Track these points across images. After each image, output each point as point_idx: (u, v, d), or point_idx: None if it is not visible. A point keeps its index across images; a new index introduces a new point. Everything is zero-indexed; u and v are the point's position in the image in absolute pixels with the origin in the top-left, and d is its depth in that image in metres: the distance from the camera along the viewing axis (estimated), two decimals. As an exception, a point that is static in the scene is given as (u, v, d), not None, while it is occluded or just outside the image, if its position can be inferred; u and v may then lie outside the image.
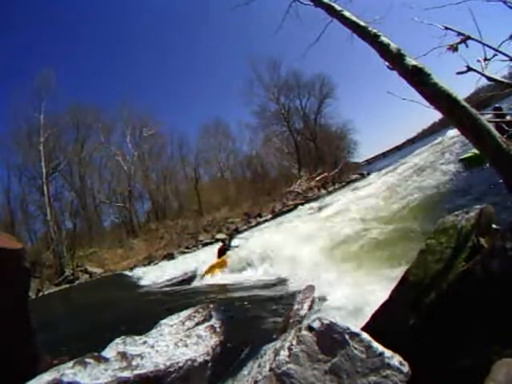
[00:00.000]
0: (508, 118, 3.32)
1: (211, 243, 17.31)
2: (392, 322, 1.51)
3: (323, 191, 23.96)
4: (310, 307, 2.88)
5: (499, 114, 2.75)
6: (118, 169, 28.10)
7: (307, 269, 4.39)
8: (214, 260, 7.65)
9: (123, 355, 1.58)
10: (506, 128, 2.83)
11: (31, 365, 1.91)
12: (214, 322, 2.05)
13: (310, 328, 1.35)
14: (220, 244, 8.69)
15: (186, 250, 19.47)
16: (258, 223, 20.20)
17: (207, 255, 9.53)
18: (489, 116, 2.32)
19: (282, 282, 4.66)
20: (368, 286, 2.93)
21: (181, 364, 1.63)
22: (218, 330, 1.99)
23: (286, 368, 1.28)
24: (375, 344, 1.27)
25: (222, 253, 7.81)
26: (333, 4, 2.46)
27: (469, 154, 6.34)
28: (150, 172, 30.25)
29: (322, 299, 3.04)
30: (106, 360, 1.54)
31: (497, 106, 5.40)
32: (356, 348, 1.27)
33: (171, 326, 1.99)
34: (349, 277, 3.49)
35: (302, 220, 10.08)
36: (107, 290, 11.77)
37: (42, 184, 22.69)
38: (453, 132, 10.70)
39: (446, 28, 2.35)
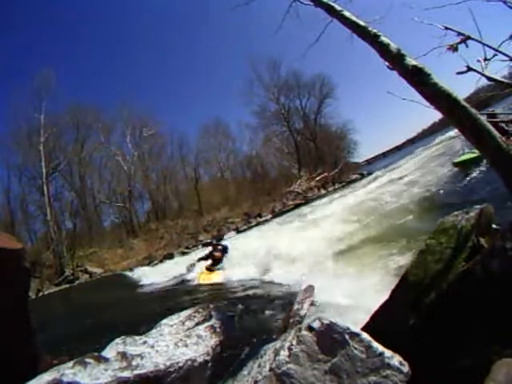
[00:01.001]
0: (503, 118, 3.33)
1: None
2: (392, 322, 1.51)
3: (323, 191, 23.95)
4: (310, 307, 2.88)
5: (495, 114, 2.75)
6: (118, 169, 28.04)
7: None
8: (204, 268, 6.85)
9: (123, 355, 1.58)
10: (506, 128, 2.83)
11: (31, 365, 1.91)
12: (214, 321, 2.04)
13: (310, 328, 1.35)
14: (208, 250, 7.33)
15: (186, 250, 19.43)
16: (258, 223, 20.18)
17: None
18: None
19: (282, 280, 4.67)
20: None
21: (181, 364, 1.62)
22: (217, 329, 1.98)
23: (286, 368, 1.28)
24: (375, 344, 1.27)
25: (214, 260, 6.82)
26: (333, 4, 2.46)
27: (463, 158, 6.35)
28: (150, 172, 30.19)
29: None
30: (106, 360, 1.54)
31: (491, 110, 5.42)
32: (356, 348, 1.26)
33: (171, 326, 1.99)
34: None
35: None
36: (107, 290, 11.75)
37: (42, 184, 22.63)
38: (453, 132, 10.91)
39: (446, 28, 2.36)
